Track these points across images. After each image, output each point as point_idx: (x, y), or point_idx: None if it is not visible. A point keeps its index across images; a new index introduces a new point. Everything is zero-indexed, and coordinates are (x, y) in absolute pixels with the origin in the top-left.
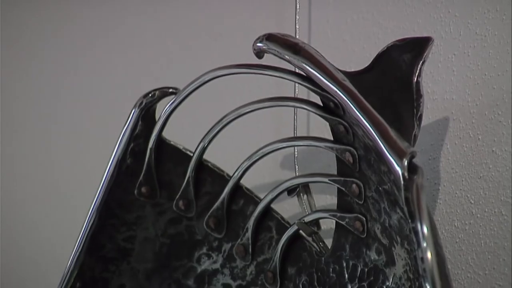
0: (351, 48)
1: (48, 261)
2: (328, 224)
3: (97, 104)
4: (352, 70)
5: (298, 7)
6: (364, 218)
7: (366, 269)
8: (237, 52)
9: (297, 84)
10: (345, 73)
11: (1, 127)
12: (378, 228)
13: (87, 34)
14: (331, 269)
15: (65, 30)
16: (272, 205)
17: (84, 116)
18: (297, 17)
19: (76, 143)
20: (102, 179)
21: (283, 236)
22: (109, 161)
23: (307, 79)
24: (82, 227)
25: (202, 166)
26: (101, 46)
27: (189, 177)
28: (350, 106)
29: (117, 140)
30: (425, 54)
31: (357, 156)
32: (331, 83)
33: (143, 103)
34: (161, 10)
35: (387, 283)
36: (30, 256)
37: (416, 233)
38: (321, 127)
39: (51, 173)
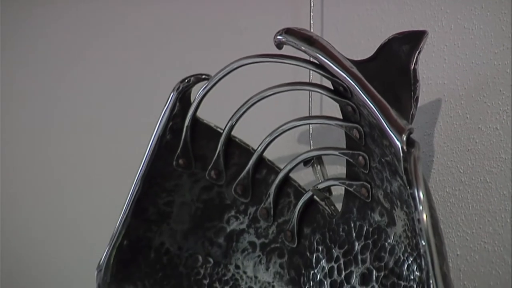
0: (358, 40)
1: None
2: (338, 191)
3: (139, 90)
4: (359, 59)
5: (312, 5)
6: (369, 185)
7: (370, 229)
8: (259, 44)
9: (311, 71)
10: (353, 62)
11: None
12: (381, 194)
13: (133, 30)
14: (341, 229)
15: (107, 21)
16: (290, 174)
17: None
18: (312, 14)
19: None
20: (145, 153)
21: (300, 201)
22: (151, 138)
23: (320, 66)
24: (128, 194)
25: (230, 141)
26: (144, 38)
27: (219, 151)
28: (357, 90)
29: (158, 119)
30: (421, 45)
31: (363, 133)
32: (340, 70)
33: (180, 87)
34: (192, 10)
35: (389, 241)
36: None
37: (413, 198)
38: (332, 108)
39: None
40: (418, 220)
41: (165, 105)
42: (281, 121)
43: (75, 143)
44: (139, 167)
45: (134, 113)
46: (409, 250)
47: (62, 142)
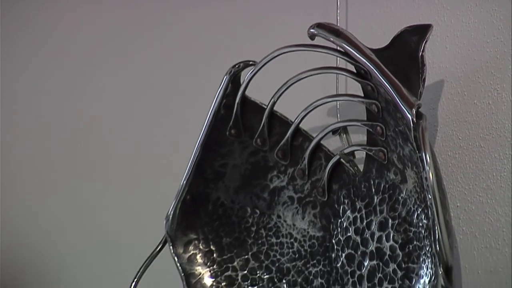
0: (375, 33)
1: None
2: (360, 155)
3: (193, 74)
4: (376, 47)
5: (338, 4)
6: (385, 150)
7: (387, 185)
8: (295, 36)
9: (338, 58)
10: (372, 50)
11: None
12: (395, 157)
13: (190, 28)
14: (362, 186)
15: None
16: (321, 142)
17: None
18: (338, 11)
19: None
20: (203, 125)
21: (329, 163)
22: (208, 113)
23: (345, 54)
24: (190, 158)
25: (273, 115)
26: (201, 34)
27: (264, 123)
28: (375, 72)
29: (214, 98)
30: (427, 36)
31: (380, 107)
32: (362, 57)
33: (232, 71)
34: (242, 11)
35: (402, 195)
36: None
37: (421, 160)
38: (355, 88)
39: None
40: (426, 178)
41: (220, 86)
42: (314, 99)
43: (151, 119)
44: (199, 137)
45: (192, 92)
46: (418, 203)
47: (134, 116)
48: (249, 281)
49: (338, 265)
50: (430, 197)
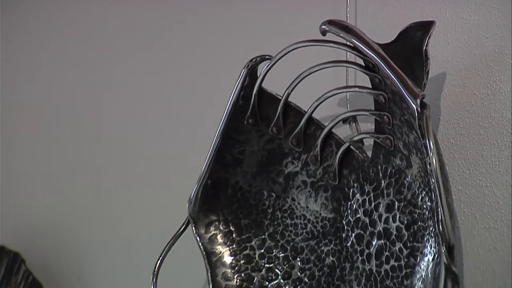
0: (382, 28)
1: None
2: (368, 142)
3: (216, 69)
4: (383, 43)
5: (348, 2)
6: (392, 137)
7: (393, 170)
8: (308, 32)
9: (348, 52)
10: (379, 45)
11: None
12: (401, 144)
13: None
14: (370, 170)
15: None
16: (333, 130)
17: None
18: (348, 9)
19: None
20: (223, 115)
21: (340, 149)
22: (227, 103)
23: (355, 48)
24: (211, 146)
25: (287, 105)
26: (217, 31)
27: (279, 113)
28: (382, 66)
29: (233, 90)
30: (430, 32)
31: (387, 98)
32: (370, 51)
33: (249, 65)
34: (253, 10)
35: (407, 179)
36: None
37: (425, 147)
38: (364, 80)
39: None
40: (429, 163)
41: (238, 78)
42: (325, 90)
43: (174, 109)
44: (219, 126)
45: (211, 85)
46: (422, 186)
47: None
48: (265, 259)
49: (348, 244)
50: (433, 181)
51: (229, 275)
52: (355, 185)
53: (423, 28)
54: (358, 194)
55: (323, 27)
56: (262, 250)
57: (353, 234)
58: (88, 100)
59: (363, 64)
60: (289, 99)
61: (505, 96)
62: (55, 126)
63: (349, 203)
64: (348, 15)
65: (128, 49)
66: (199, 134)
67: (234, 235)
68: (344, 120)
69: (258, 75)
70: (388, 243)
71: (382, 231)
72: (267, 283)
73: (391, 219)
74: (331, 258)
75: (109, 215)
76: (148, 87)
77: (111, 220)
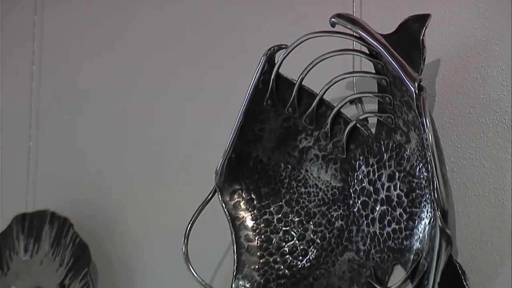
0: (385, 21)
1: None
2: (372, 120)
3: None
4: (385, 33)
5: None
6: (393, 116)
7: (394, 145)
8: (318, 25)
9: (354, 42)
10: (382, 35)
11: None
12: (401, 122)
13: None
14: (374, 145)
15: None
16: (341, 110)
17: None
18: (354, 3)
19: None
20: (245, 97)
21: (348, 127)
22: (249, 87)
23: (360, 38)
24: (234, 124)
25: (301, 88)
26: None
27: (294, 95)
28: (384, 53)
29: (253, 75)
30: (426, 23)
31: (389, 82)
32: (374, 40)
33: (268, 53)
34: (268, 6)
35: (406, 152)
36: None
37: (422, 124)
38: (368, 66)
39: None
40: (426, 139)
41: (258, 65)
42: (335, 75)
43: (204, 92)
44: (241, 107)
45: (234, 71)
46: (420, 159)
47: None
48: (282, 223)
49: (355, 209)
50: (429, 154)
51: (250, 236)
52: (361, 158)
53: (420, 20)
54: (363, 166)
55: (333, 20)
56: (280, 215)
57: (359, 201)
58: (124, 77)
59: (368, 52)
60: (303, 83)
61: (492, 80)
62: (101, 101)
63: (356, 173)
64: (354, 9)
65: (159, 39)
66: (224, 114)
67: (255, 202)
68: (351, 101)
69: (276, 62)
70: (389, 208)
71: (384, 198)
72: (284, 243)
73: (392, 188)
74: (340, 222)
75: (148, 185)
76: (181, 73)
77: (150, 189)
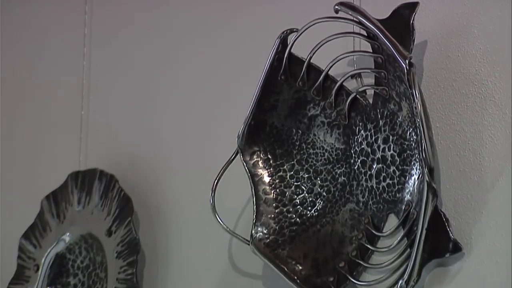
0: (380, 8)
1: None
2: (370, 92)
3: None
4: (381, 18)
5: None
6: (387, 88)
7: (388, 113)
8: (324, 12)
9: (354, 25)
10: (378, 20)
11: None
12: (394, 93)
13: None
14: (371, 113)
15: None
16: (344, 83)
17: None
18: None
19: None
20: (262, 72)
21: (349, 98)
22: (265, 65)
23: (359, 23)
24: (253, 96)
25: (310, 65)
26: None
27: (304, 71)
28: (380, 35)
29: (269, 54)
30: (416, 10)
31: (383, 59)
32: (371, 24)
33: (282, 36)
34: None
35: (399, 119)
36: None
37: (412, 95)
38: (366, 46)
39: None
40: (415, 107)
41: (273, 46)
42: (338, 54)
43: (228, 67)
44: (259, 81)
45: (253, 52)
46: (410, 124)
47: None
48: (294, 179)
49: (355, 167)
50: (418, 120)
51: (267, 190)
52: (360, 124)
53: (410, 7)
54: (362, 131)
55: (336, 7)
56: (292, 172)
57: (359, 160)
58: (164, 55)
59: (366, 34)
60: (311, 61)
61: (471, 57)
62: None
63: (356, 137)
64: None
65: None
66: (245, 88)
67: (271, 161)
68: (352, 76)
69: (288, 43)
70: (384, 166)
71: (380, 157)
72: (295, 196)
73: (387, 149)
74: (342, 177)
75: (181, 148)
76: (209, 55)
77: (183, 152)
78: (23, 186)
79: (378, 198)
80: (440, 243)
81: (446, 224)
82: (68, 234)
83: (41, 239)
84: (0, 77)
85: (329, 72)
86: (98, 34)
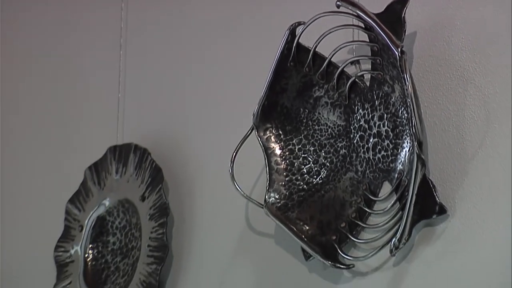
0: (376, 5)
1: None
2: (367, 76)
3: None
4: (376, 12)
5: None
6: (382, 73)
7: (383, 94)
8: (326, 7)
9: (353, 18)
10: (374, 14)
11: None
12: (388, 77)
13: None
14: (368, 94)
15: None
16: (344, 69)
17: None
18: None
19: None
20: (274, 60)
21: (349, 81)
22: (276, 53)
23: (358, 16)
24: (266, 80)
25: (315, 53)
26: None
27: (310, 58)
28: (375, 27)
29: (280, 44)
30: (407, 5)
31: (379, 48)
32: (367, 17)
33: (291, 28)
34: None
35: (392, 99)
36: None
37: (404, 79)
38: (364, 36)
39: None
40: (406, 89)
41: (283, 36)
42: (339, 43)
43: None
44: (271, 67)
45: (266, 42)
46: (402, 104)
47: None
48: (302, 151)
49: (354, 141)
50: (409, 100)
51: (279, 161)
52: (359, 103)
53: (402, 2)
54: (360, 109)
55: (338, 3)
56: (300, 146)
57: (357, 135)
58: (195, 39)
59: (363, 26)
60: (316, 49)
61: (454, 46)
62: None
63: (355, 115)
64: None
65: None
66: (259, 73)
67: (282, 136)
68: (352, 62)
69: (296, 34)
70: (380, 140)
71: (376, 132)
72: (303, 166)
73: (382, 125)
74: (343, 150)
75: (205, 124)
76: (231, 47)
77: (206, 127)
78: (69, 158)
79: (374, 167)
80: (427, 206)
81: (433, 190)
82: (107, 199)
83: (84, 204)
84: (52, 64)
85: (332, 59)
86: (133, 28)
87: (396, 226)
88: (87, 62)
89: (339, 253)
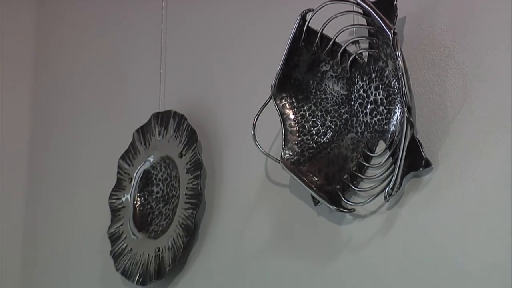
0: None
1: None
2: (365, 54)
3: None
4: (373, 0)
5: None
6: (378, 51)
7: (378, 68)
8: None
9: (354, 5)
10: (371, 1)
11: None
12: (383, 54)
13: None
14: (366, 69)
15: None
16: (347, 48)
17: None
18: None
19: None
20: (288, 41)
21: (350, 57)
22: (290, 35)
23: (358, 4)
24: (282, 57)
25: (322, 35)
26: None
27: (318, 38)
28: (372, 13)
29: (293, 27)
30: None
31: (375, 30)
32: (365, 4)
33: (302, 14)
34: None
35: (386, 73)
36: None
37: (396, 56)
38: (363, 21)
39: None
40: (398, 64)
41: (296, 21)
42: (342, 26)
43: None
44: (286, 46)
45: (282, 25)
46: (394, 76)
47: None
48: (311, 116)
49: (355, 107)
50: (400, 73)
51: (292, 124)
52: (358, 76)
53: None
54: (359, 81)
55: None
56: (310, 111)
57: (357, 102)
58: (224, 25)
59: (362, 12)
60: (323, 32)
61: (438, 27)
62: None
63: (355, 86)
64: None
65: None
66: (276, 52)
67: (294, 104)
68: (352, 42)
69: (306, 19)
70: (376, 106)
71: (372, 100)
72: (312, 128)
73: (377, 94)
74: (346, 115)
75: (233, 95)
76: (252, 34)
77: (233, 97)
78: (120, 123)
79: (371, 129)
80: (415, 161)
81: (420, 147)
82: (152, 156)
83: (133, 160)
84: (100, 48)
85: (336, 40)
86: (172, 9)
87: (389, 177)
88: (133, 47)
89: (342, 199)
